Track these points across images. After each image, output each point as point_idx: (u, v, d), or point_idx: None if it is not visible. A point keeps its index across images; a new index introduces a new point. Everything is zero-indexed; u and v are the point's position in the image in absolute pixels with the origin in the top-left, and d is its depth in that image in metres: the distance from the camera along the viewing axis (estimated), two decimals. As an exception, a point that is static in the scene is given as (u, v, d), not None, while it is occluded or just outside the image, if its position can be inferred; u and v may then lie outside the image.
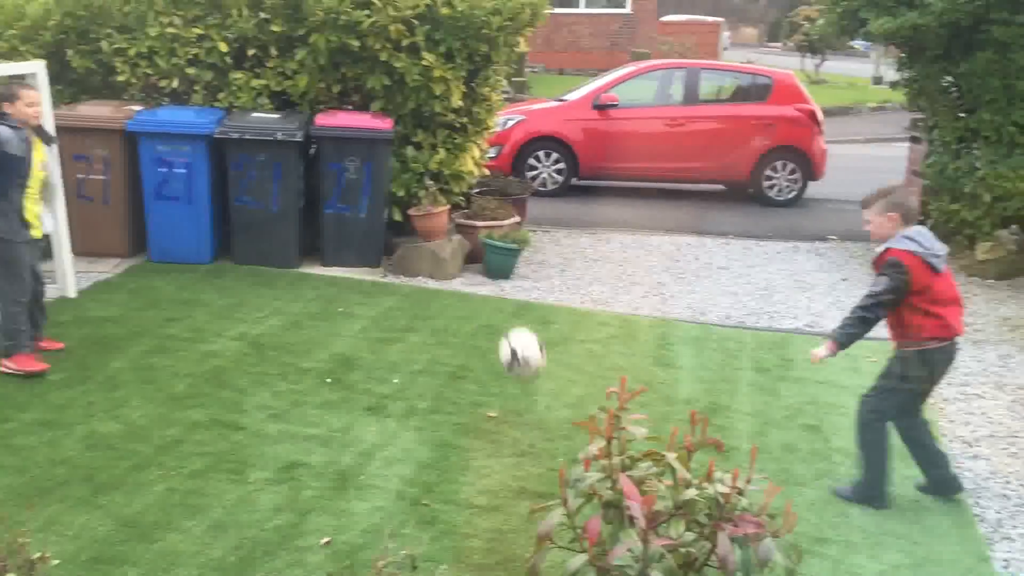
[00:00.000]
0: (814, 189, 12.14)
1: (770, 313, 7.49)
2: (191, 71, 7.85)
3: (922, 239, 4.26)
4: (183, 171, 7.44)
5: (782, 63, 23.76)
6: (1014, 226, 8.60)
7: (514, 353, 5.06)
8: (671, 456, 2.48)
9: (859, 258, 9.34)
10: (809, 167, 11.80)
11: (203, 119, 7.48)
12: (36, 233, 5.45)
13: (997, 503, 4.55)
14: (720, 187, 12.52)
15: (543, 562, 2.46)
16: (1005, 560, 4.05)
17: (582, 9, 26.28)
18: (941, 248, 4.31)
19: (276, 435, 4.75)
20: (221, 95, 7.89)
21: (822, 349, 4.35)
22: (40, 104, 5.48)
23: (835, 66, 31.09)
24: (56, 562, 2.97)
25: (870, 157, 15.74)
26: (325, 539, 3.82)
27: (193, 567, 3.59)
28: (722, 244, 9.79)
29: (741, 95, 12.32)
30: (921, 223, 4.60)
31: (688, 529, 2.33)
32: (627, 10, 26.70)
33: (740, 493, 2.38)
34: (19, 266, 5.29)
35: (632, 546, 2.22)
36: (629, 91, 12.09)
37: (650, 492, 2.38)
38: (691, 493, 2.37)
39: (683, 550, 2.27)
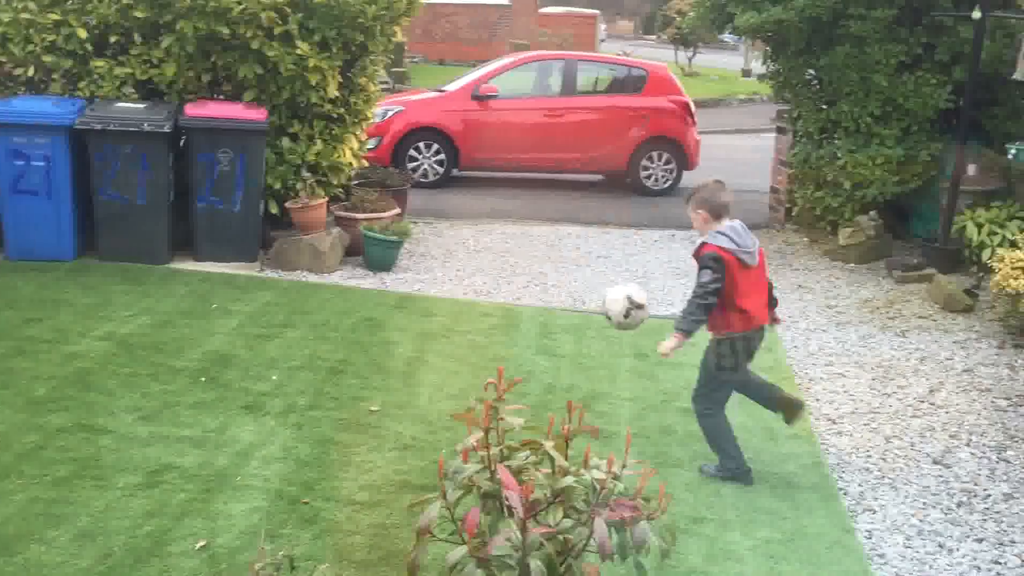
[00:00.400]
0: (688, 179, 12.45)
1: (648, 300, 7.64)
2: (48, 59, 7.44)
3: (734, 235, 4.48)
4: (41, 164, 7.07)
5: (656, 56, 24.37)
6: (872, 212, 9.06)
7: (629, 299, 4.70)
8: (548, 445, 2.51)
9: (731, 245, 9.65)
10: (684, 157, 12.12)
11: (62, 109, 7.12)
12: None
13: (859, 477, 4.79)
14: (599, 177, 12.73)
15: (424, 556, 2.45)
16: (868, 531, 4.26)
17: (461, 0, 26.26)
18: (752, 243, 4.55)
19: (146, 437, 4.58)
20: (82, 84, 7.52)
21: (671, 341, 4.52)
22: None
23: (707, 59, 32.06)
24: (-97, 583, 2.78)
25: (741, 148, 16.31)
26: (200, 543, 3.70)
27: (58, 580, 3.42)
28: (602, 233, 9.96)
29: (617, 87, 12.55)
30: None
31: (566, 516, 2.35)
32: (506, 1, 26.82)
33: (616, 478, 2.43)
34: None
35: (511, 536, 2.23)
36: (508, 82, 12.15)
37: (528, 481, 2.39)
38: (568, 480, 2.40)
39: (561, 537, 2.29)
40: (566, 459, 2.57)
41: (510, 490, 2.27)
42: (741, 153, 15.51)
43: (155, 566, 3.54)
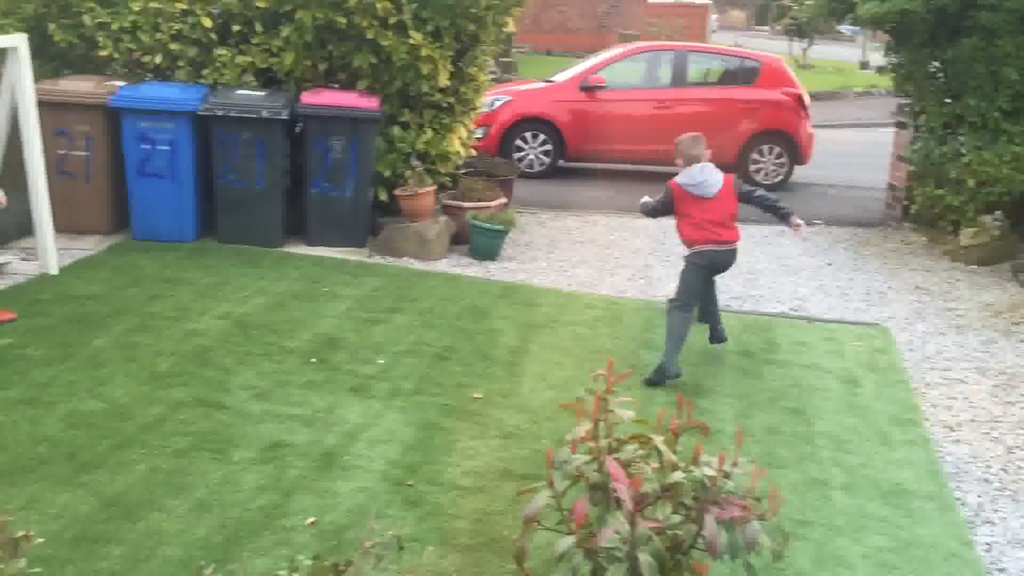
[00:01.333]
0: (800, 173, 12.16)
1: (755, 297, 7.51)
2: (175, 46, 7.75)
3: (692, 175, 5.74)
4: (167, 148, 7.37)
5: (770, 47, 23.79)
6: (998, 212, 8.65)
7: None
8: (658, 439, 2.48)
9: (844, 243, 9.37)
10: (796, 151, 11.82)
11: (187, 95, 7.40)
12: None
13: (978, 487, 4.59)
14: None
15: (530, 543, 2.46)
16: (987, 544, 4.09)
17: (570, -10, 26.16)
18: (712, 183, 5.73)
19: (260, 415, 4.73)
20: (206, 71, 7.80)
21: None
22: None
23: (822, 50, 31.09)
24: (40, 540, 2.94)
25: (856, 142, 15.79)
26: (310, 519, 3.81)
27: (178, 546, 3.57)
28: (708, 227, 9.77)
29: (729, 78, 12.30)
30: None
31: (675, 512, 2.33)
32: (615, -9, 26.60)
33: (726, 476, 2.39)
34: None
35: (619, 528, 2.22)
36: (617, 73, 12.06)
37: (637, 475, 2.38)
38: (678, 476, 2.37)
39: (670, 532, 2.27)
40: (675, 454, 2.54)
41: (619, 483, 2.26)
42: (856, 148, 15.02)
43: (268, 539, 3.66)
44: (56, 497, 3.84)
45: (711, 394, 5.45)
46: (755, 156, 11.77)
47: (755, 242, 9.27)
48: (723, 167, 13.05)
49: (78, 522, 3.68)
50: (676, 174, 5.82)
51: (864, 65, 27.72)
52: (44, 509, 3.74)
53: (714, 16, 33.99)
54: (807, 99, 12.00)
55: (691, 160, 5.79)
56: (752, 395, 5.50)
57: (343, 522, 3.81)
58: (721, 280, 7.87)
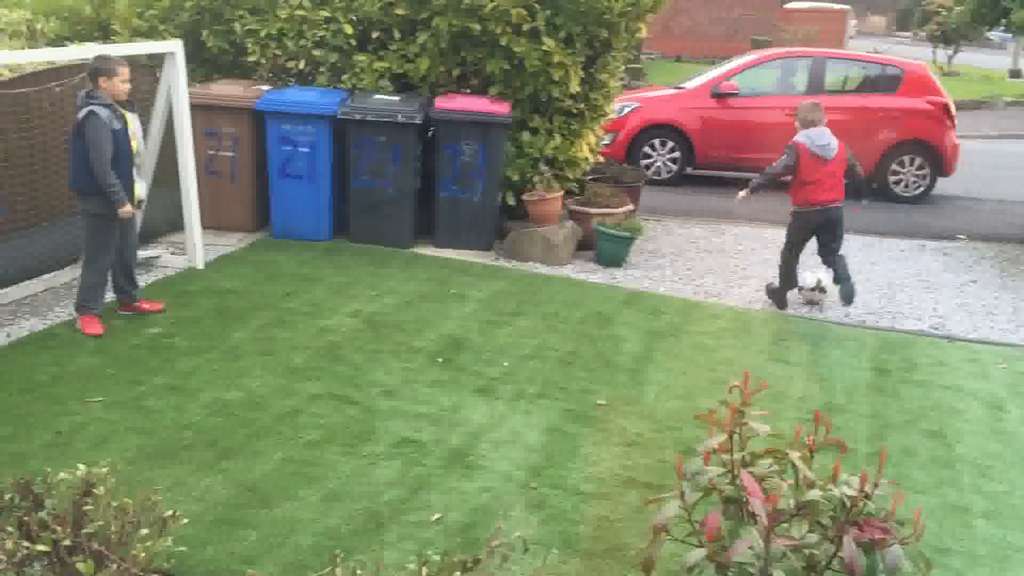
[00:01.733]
0: (943, 185, 11.62)
1: (892, 313, 7.21)
2: (317, 53, 8.04)
3: (815, 136, 6.55)
4: (307, 150, 7.64)
5: (911, 54, 22.83)
6: None
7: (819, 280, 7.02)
8: (794, 455, 2.42)
9: (990, 259, 8.90)
10: (939, 162, 11.30)
11: (327, 100, 7.66)
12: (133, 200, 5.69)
13: None
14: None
15: (657, 553, 2.44)
16: None
17: (702, -5, 25.82)
18: (832, 147, 6.57)
19: (388, 411, 4.85)
20: (345, 77, 8.06)
21: (743, 192, 6.95)
22: (129, 80, 5.56)
23: (969, 58, 29.68)
24: (184, 521, 3.10)
25: (1006, 154, 14.99)
26: (435, 515, 3.88)
27: (309, 534, 3.70)
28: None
29: (869, 86, 11.86)
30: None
31: (811, 530, 2.26)
32: (749, -4, 26.08)
33: (867, 497, 2.30)
34: (111, 241, 5.57)
35: (753, 544, 2.17)
36: (750, 79, 11.81)
37: (772, 490, 2.32)
38: (815, 494, 2.30)
39: (806, 551, 2.20)
40: (810, 471, 2.47)
41: (755, 497, 2.21)
42: (1005, 160, 14.26)
43: (394, 532, 3.75)
44: (199, 481, 4.04)
45: (844, 412, 5.26)
46: (895, 167, 11.32)
47: (893, 256, 8.92)
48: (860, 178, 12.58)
49: (218, 506, 3.86)
50: None
51: (1015, 73, 26.30)
52: (187, 492, 3.94)
53: (852, 21, 32.87)
54: (953, 108, 11.46)
55: (809, 124, 6.45)
56: (888, 415, 5.29)
57: (467, 520, 3.86)
58: (857, 295, 7.65)
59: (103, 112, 5.30)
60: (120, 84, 5.43)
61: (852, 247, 9.16)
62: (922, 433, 5.07)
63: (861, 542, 2.24)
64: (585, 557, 3.67)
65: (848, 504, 2.26)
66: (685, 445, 4.63)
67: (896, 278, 8.17)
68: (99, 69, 5.38)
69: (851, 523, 2.26)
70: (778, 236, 9.37)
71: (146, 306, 5.97)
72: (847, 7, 29.43)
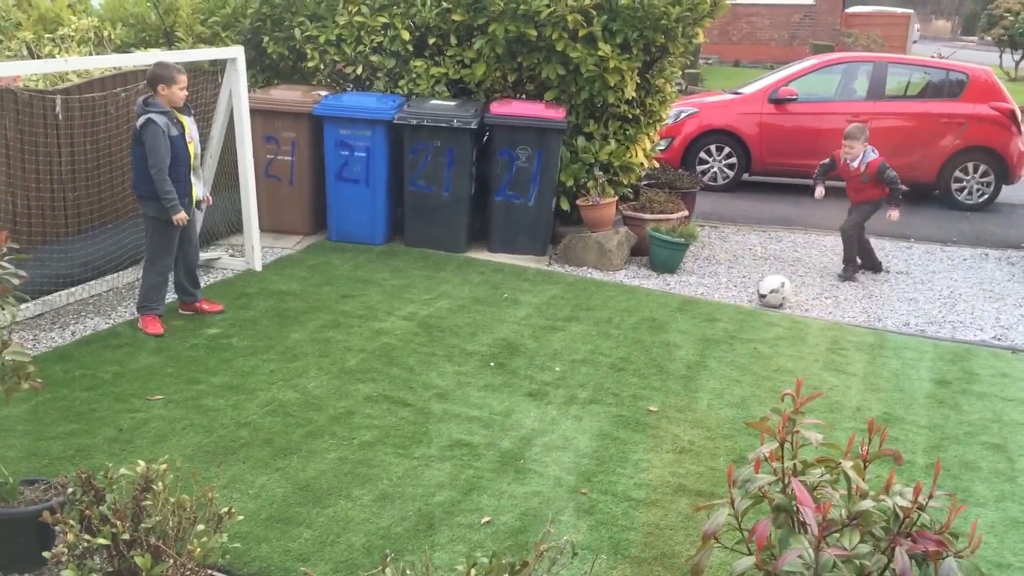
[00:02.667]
0: (1008, 193, 11.34)
1: (953, 323, 7.06)
2: (375, 58, 8.15)
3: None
4: (363, 155, 7.75)
5: (977, 58, 22.32)
6: None
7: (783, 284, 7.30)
8: (847, 464, 2.39)
9: (1057, 269, 8.66)
10: (1004, 169, 11.03)
11: (384, 105, 7.76)
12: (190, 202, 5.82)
13: None
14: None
15: (707, 561, 2.43)
16: None
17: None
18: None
19: (440, 414, 4.89)
20: (401, 82, 8.15)
21: (895, 212, 8.11)
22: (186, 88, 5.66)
23: (1037, 62, 28.85)
24: (240, 518, 3.17)
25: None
26: (485, 518, 3.90)
27: (362, 534, 3.75)
28: (902, 248, 9.31)
29: (932, 91, 11.63)
30: None
31: (863, 541, 2.23)
32: (810, 0, 25.74)
33: (921, 508, 2.26)
34: (172, 242, 5.70)
35: (803, 553, 2.15)
36: (809, 85, 11.66)
37: (823, 500, 2.29)
38: (867, 504, 2.27)
39: (857, 562, 2.18)
40: (863, 482, 2.43)
41: (806, 506, 2.19)
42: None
43: (445, 534, 3.78)
44: (255, 479, 4.12)
45: (902, 423, 5.17)
46: (958, 174, 11.08)
47: (954, 264, 8.74)
48: (922, 185, 12.48)
49: (273, 504, 3.93)
50: None
51: (1086, 78, 25.51)
52: (244, 489, 4.02)
53: (916, 26, 32.23)
54: (1019, 114, 11.18)
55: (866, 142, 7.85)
56: (947, 427, 5.18)
57: (517, 524, 3.88)
58: (915, 304, 7.51)
59: (161, 119, 5.44)
60: (179, 92, 5.57)
61: (913, 255, 9.00)
62: (983, 446, 4.95)
63: (914, 554, 2.20)
64: (634, 563, 3.66)
65: (901, 515, 2.23)
66: (737, 454, 4.59)
67: (957, 287, 8.00)
68: (159, 76, 5.52)
69: (904, 534, 2.23)
70: (836, 244, 9.28)
71: (206, 307, 6.11)
72: (911, 11, 28.87)
